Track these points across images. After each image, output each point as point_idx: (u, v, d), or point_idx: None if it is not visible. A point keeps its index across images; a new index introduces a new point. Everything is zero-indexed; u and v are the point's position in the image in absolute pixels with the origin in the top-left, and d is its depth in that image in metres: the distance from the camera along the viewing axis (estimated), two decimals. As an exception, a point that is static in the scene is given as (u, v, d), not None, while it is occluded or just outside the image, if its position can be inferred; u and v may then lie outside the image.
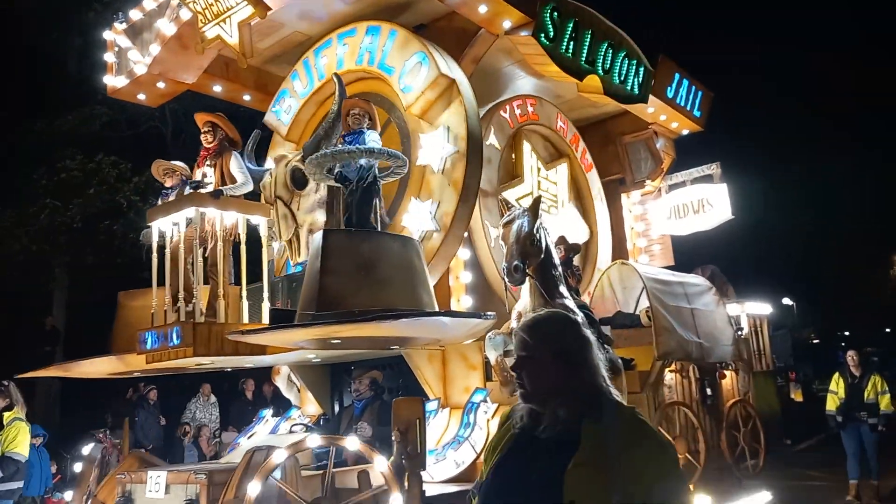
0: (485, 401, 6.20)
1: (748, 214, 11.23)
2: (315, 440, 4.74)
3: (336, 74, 6.89)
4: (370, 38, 7.66)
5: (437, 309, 5.63)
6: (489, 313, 5.66)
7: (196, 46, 6.73)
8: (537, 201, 6.59)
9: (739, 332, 10.21)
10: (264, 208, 6.10)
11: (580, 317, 6.84)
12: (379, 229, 6.26)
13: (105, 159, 15.87)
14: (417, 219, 6.83)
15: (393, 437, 4.60)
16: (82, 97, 16.54)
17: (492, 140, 8.57)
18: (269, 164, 6.37)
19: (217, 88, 8.37)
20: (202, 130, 6.56)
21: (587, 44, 8.15)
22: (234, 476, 4.62)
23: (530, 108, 9.45)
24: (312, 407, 7.97)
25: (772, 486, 8.47)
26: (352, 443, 4.68)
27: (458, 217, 6.63)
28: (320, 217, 6.65)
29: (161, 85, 7.66)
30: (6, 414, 7.04)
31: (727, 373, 9.29)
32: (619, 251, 11.08)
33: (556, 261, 7.00)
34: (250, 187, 6.48)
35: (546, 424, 2.29)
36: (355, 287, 4.96)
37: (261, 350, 5.81)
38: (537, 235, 6.55)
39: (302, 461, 5.38)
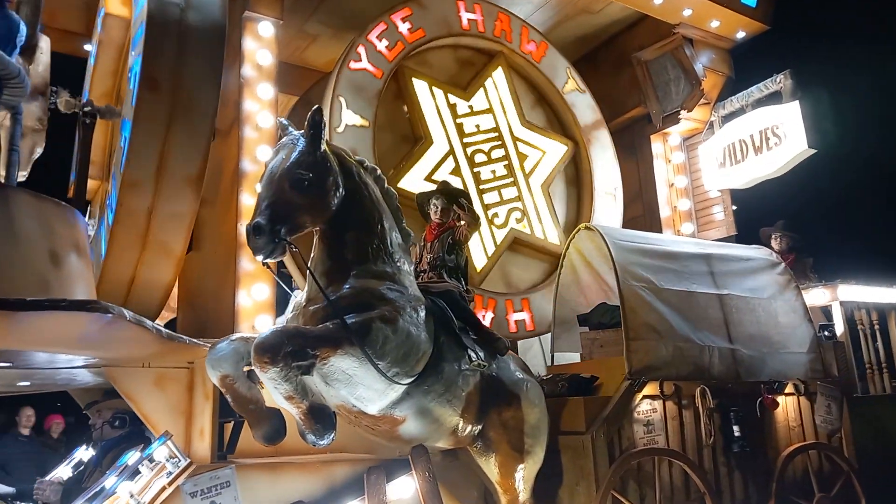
0: (166, 456, 3.71)
1: (841, 147, 7.34)
2: None
3: None
4: None
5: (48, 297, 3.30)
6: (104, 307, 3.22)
7: None
8: (316, 114, 3.95)
9: (827, 333, 6.50)
10: None
11: (406, 307, 4.14)
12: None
13: None
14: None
15: None
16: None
17: (345, 117, 6.02)
18: None
19: None
20: None
21: None
22: None
23: (406, 25, 6.59)
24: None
25: None
26: None
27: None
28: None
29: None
30: None
31: (782, 399, 5.75)
32: (649, 219, 7.82)
33: (380, 222, 4.26)
34: None
35: None
36: None
37: None
38: (308, 176, 3.88)
39: None
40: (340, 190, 4.05)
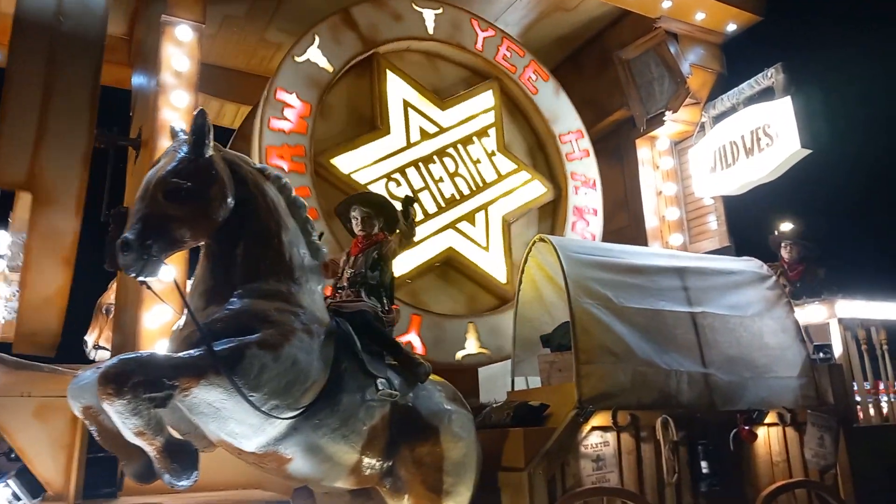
0: (7, 499, 3.36)
1: (842, 147, 6.64)
2: None
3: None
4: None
5: None
6: None
7: None
8: (199, 116, 3.58)
9: (822, 355, 5.80)
10: None
11: (296, 331, 3.72)
12: None
13: None
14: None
15: None
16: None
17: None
18: None
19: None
20: None
21: None
22: None
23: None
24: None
25: None
26: None
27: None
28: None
29: None
30: None
31: (763, 431, 5.10)
32: (635, 230, 7.25)
33: (277, 235, 3.84)
34: None
35: None
36: None
37: None
38: (186, 184, 3.50)
39: None
40: (229, 200, 3.65)
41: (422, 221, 6.11)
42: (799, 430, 5.27)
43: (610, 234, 7.12)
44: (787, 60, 6.66)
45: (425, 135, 6.34)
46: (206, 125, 3.57)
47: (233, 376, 3.24)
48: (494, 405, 5.23)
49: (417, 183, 6.24)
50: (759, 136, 6.50)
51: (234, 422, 3.42)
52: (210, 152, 3.59)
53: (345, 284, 4.61)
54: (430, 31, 6.61)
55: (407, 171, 6.18)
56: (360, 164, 5.98)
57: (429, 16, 6.62)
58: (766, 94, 6.66)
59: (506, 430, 4.74)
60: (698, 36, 7.05)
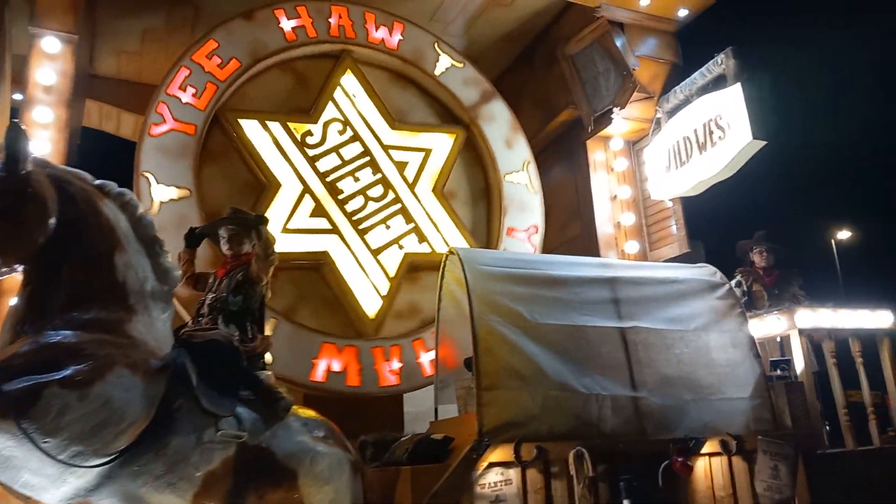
0: None
1: (803, 136, 6.04)
2: None
3: None
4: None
5: None
6: None
7: None
8: (12, 129, 3.26)
9: (780, 371, 5.16)
10: None
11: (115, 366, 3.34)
12: None
13: None
14: None
15: None
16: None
17: (157, 193, 5.37)
18: None
19: None
20: None
21: None
22: None
23: (215, 61, 5.86)
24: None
25: None
26: None
27: None
28: None
29: None
30: None
31: (700, 461, 4.50)
32: (587, 240, 6.71)
33: (108, 257, 3.46)
34: None
35: None
36: None
37: None
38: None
39: None
40: (50, 221, 3.28)
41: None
42: (748, 459, 4.66)
43: (563, 246, 6.61)
44: (745, 44, 6.09)
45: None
46: (21, 139, 3.23)
47: (21, 420, 2.85)
48: (404, 438, 4.77)
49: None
50: (711, 129, 5.92)
51: (28, 472, 3.01)
52: (27, 168, 3.24)
53: (205, 311, 4.22)
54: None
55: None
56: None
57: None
58: (720, 82, 6.07)
59: (400, 468, 4.28)
60: (648, 24, 6.51)
